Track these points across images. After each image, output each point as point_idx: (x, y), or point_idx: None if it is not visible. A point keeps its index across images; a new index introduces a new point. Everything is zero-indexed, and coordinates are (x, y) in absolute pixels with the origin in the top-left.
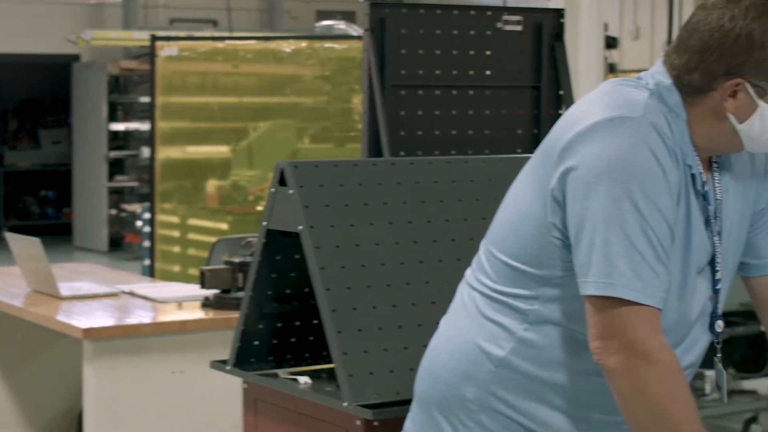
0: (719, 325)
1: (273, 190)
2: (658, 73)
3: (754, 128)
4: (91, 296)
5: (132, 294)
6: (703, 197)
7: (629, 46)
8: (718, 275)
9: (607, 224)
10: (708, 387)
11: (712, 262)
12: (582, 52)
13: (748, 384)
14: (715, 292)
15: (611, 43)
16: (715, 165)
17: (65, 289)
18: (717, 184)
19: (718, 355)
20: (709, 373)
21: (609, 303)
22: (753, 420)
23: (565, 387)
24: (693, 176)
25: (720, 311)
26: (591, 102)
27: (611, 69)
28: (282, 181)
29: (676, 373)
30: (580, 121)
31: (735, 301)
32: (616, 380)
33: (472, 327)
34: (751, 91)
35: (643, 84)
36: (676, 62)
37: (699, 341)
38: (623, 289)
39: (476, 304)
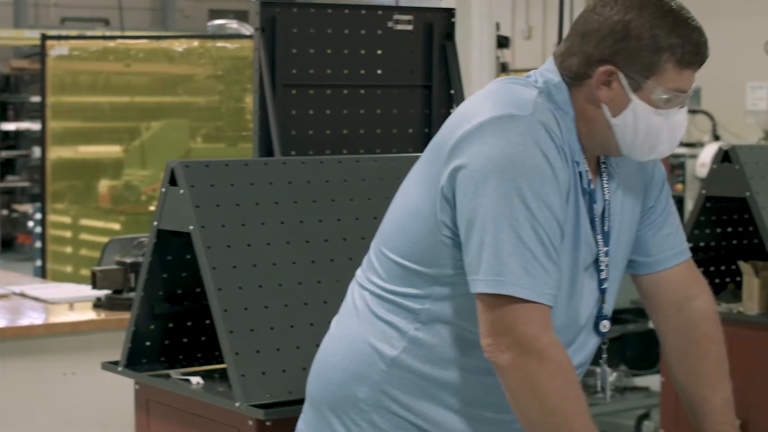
0: (604, 325)
1: (164, 190)
2: (548, 71)
3: (628, 123)
4: None
5: (23, 295)
6: (589, 195)
7: (521, 46)
8: (602, 275)
9: (497, 222)
10: (600, 383)
11: (596, 262)
12: (474, 51)
13: (640, 381)
14: (601, 291)
15: (503, 42)
16: (603, 166)
17: None
18: (605, 185)
19: (604, 356)
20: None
21: (499, 301)
22: (645, 416)
23: (457, 386)
24: (580, 174)
25: (607, 311)
26: (480, 100)
27: (503, 68)
28: (173, 181)
29: (567, 371)
30: (470, 120)
31: (626, 299)
32: (507, 377)
33: (363, 327)
34: (624, 82)
35: (531, 82)
36: (561, 49)
37: (590, 340)
38: (513, 286)
39: (367, 303)
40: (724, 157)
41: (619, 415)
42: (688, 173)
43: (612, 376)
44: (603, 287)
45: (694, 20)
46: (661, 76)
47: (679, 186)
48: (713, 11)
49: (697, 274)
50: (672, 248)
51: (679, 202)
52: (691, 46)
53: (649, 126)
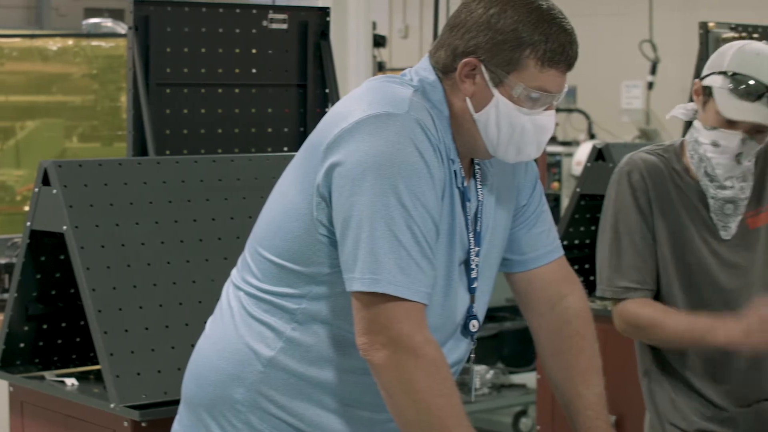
0: (474, 324)
1: (36, 190)
2: (423, 69)
3: (490, 119)
4: None
5: None
6: (463, 195)
7: (398, 45)
8: (473, 274)
9: (373, 220)
10: (478, 382)
11: (467, 262)
12: (350, 50)
13: (518, 378)
14: (471, 291)
15: (380, 41)
16: (477, 166)
17: None
18: (478, 185)
19: (472, 355)
20: (479, 368)
21: (375, 299)
22: (522, 413)
23: (334, 386)
24: (455, 173)
25: (477, 311)
26: (356, 99)
27: (380, 67)
28: (46, 181)
29: (442, 368)
30: (346, 118)
31: (502, 297)
32: (382, 375)
33: (239, 328)
34: (486, 76)
35: (407, 80)
36: (434, 43)
37: (463, 340)
38: (389, 284)
39: (243, 304)
40: (598, 155)
41: (497, 413)
42: (564, 171)
43: (489, 374)
44: (473, 287)
45: (563, 20)
46: (523, 72)
47: (556, 184)
48: (588, 10)
49: (569, 271)
50: (545, 246)
51: (556, 200)
52: (554, 45)
53: (511, 123)
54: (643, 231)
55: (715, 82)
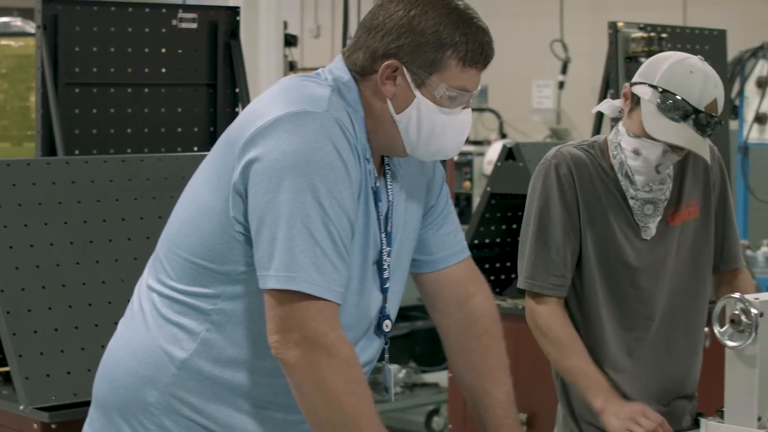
0: (387, 324)
1: None
2: (337, 69)
3: (411, 120)
4: None
5: None
6: (375, 195)
7: (310, 44)
8: (385, 274)
9: (290, 218)
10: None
11: (379, 262)
12: (261, 50)
13: (430, 377)
14: (383, 291)
15: (291, 41)
16: (387, 166)
17: None
18: (389, 185)
19: (387, 355)
20: (391, 367)
21: (289, 297)
22: (435, 412)
23: (248, 388)
24: (369, 172)
25: (390, 310)
26: (273, 97)
27: (291, 67)
28: None
29: (355, 367)
30: (263, 116)
31: (414, 296)
32: (294, 374)
33: (152, 330)
34: (408, 77)
35: (322, 80)
36: (348, 45)
37: (376, 338)
38: (304, 282)
39: (155, 306)
40: (508, 154)
41: (409, 412)
42: (475, 171)
43: (401, 373)
44: (385, 287)
45: (479, 20)
46: (445, 73)
47: (467, 184)
48: (499, 10)
49: (476, 271)
50: (452, 247)
51: (467, 199)
52: (475, 45)
53: (432, 123)
54: (566, 226)
55: (644, 93)
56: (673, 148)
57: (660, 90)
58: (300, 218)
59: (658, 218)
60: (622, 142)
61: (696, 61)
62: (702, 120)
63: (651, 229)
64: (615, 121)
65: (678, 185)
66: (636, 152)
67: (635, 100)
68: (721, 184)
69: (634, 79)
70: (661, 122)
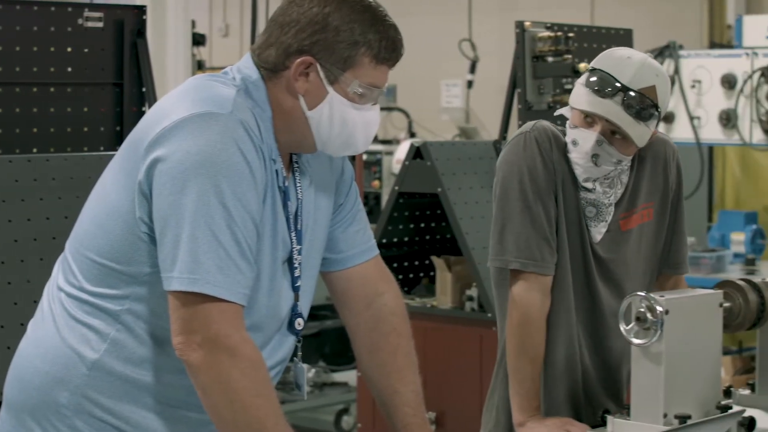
0: (299, 323)
1: None
2: (245, 68)
3: (324, 116)
4: None
5: None
6: (284, 194)
7: (219, 44)
8: (296, 272)
9: (194, 220)
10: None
11: (290, 261)
12: (169, 49)
13: (339, 376)
14: (295, 290)
15: (199, 40)
16: (296, 165)
17: None
18: (298, 183)
19: (299, 353)
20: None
21: (193, 298)
22: (345, 411)
23: (159, 388)
24: (276, 172)
25: (302, 309)
26: (179, 97)
27: (199, 66)
28: None
29: (259, 368)
30: (168, 116)
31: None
32: (199, 375)
33: (62, 330)
34: (321, 74)
35: (230, 80)
36: (258, 42)
37: (287, 338)
38: (207, 284)
39: (65, 307)
40: (416, 153)
41: (319, 411)
42: (384, 170)
43: (311, 372)
44: (296, 285)
45: (390, 18)
46: (358, 69)
47: (376, 183)
48: (408, 9)
49: (385, 270)
50: (361, 245)
51: (376, 198)
52: (387, 42)
53: (344, 120)
54: (551, 199)
55: (580, 79)
56: (611, 138)
57: (591, 69)
58: (204, 220)
59: (602, 223)
60: (566, 137)
61: (637, 52)
62: (633, 100)
63: (593, 233)
64: (523, 120)
65: (633, 188)
66: (574, 142)
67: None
68: (678, 185)
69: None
70: (587, 96)
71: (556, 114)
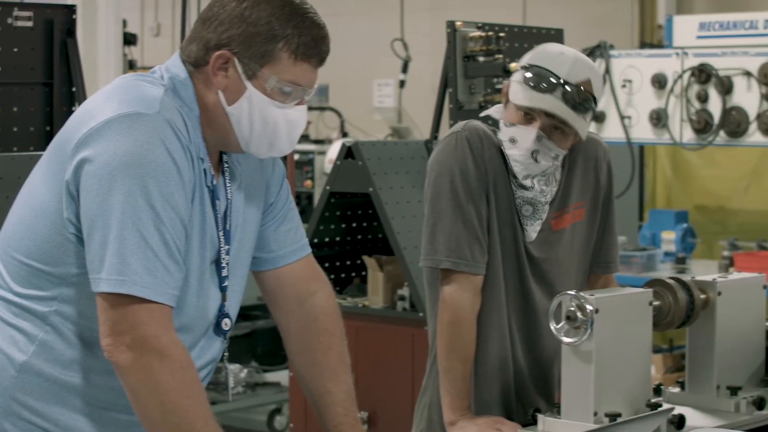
0: (226, 323)
1: None
2: (174, 66)
3: (243, 112)
4: None
5: None
6: (212, 193)
7: (150, 43)
8: (224, 272)
9: (122, 221)
10: (232, 380)
11: (217, 261)
12: (100, 48)
13: (272, 376)
14: (222, 290)
15: (131, 39)
16: (226, 164)
17: None
18: (228, 183)
19: (226, 354)
20: (233, 367)
21: (121, 300)
22: (277, 411)
23: (88, 389)
24: (204, 171)
25: (229, 309)
26: (106, 97)
27: (131, 65)
28: None
29: (188, 369)
30: (95, 116)
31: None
32: (128, 377)
33: None
34: (239, 68)
35: (157, 78)
36: (185, 39)
37: (216, 338)
38: (135, 286)
39: None
40: (348, 153)
41: (251, 411)
42: (317, 170)
43: (243, 373)
44: (224, 285)
45: (315, 15)
46: (276, 65)
47: (309, 183)
48: (340, 8)
49: (317, 269)
50: (292, 244)
51: (309, 198)
52: (307, 39)
53: (264, 117)
54: (483, 199)
55: (515, 77)
56: (550, 133)
57: (527, 66)
58: (131, 221)
59: (538, 222)
60: (501, 136)
61: (569, 48)
62: (572, 94)
63: (529, 232)
64: (454, 120)
65: (565, 188)
66: (512, 140)
67: (509, 91)
68: (608, 185)
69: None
70: (527, 93)
71: (482, 115)
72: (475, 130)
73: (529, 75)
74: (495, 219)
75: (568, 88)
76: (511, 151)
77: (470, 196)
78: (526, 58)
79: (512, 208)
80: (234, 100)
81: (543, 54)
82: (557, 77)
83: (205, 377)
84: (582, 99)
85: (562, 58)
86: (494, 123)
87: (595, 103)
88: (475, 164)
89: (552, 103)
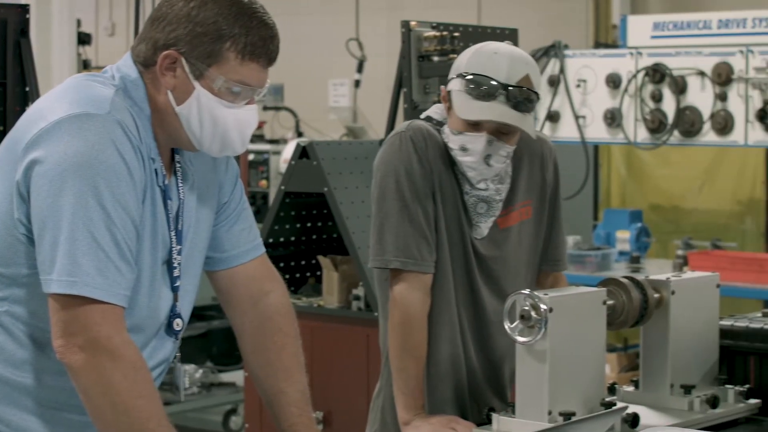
0: (178, 323)
1: None
2: (125, 66)
3: (192, 112)
4: None
5: None
6: (164, 193)
7: (105, 43)
8: (176, 272)
9: (72, 222)
10: (187, 381)
11: (169, 261)
12: (54, 48)
13: (227, 376)
14: (174, 290)
15: (85, 39)
16: (178, 165)
17: None
18: (180, 183)
19: (178, 354)
20: (188, 367)
21: (73, 301)
22: (233, 412)
23: (40, 390)
24: (156, 171)
25: (181, 310)
26: (56, 97)
27: (85, 65)
28: None
29: (141, 370)
30: (45, 117)
31: (209, 295)
32: (80, 378)
33: None
34: (187, 68)
35: (108, 78)
36: (136, 39)
37: (169, 338)
38: (86, 287)
39: None
40: (303, 153)
41: (207, 411)
42: (272, 170)
43: (198, 373)
44: (176, 286)
45: (264, 15)
46: (224, 65)
47: (264, 182)
48: (296, 8)
49: (271, 269)
50: (246, 244)
51: (264, 198)
52: (255, 38)
53: (214, 117)
54: (429, 198)
55: (454, 85)
56: (499, 135)
57: (467, 76)
58: (82, 222)
59: (491, 219)
60: (449, 143)
61: (500, 44)
62: (514, 95)
63: (482, 228)
64: (409, 120)
65: (511, 187)
66: (463, 148)
67: (450, 98)
68: (555, 183)
69: (448, 78)
70: (472, 105)
71: (422, 116)
72: (419, 130)
73: (469, 84)
74: (442, 218)
75: (509, 90)
76: (463, 159)
77: (416, 195)
78: (463, 65)
79: (458, 206)
80: (183, 100)
81: (478, 57)
82: (497, 81)
83: (157, 377)
84: (524, 98)
85: (497, 58)
86: (437, 123)
87: (537, 97)
88: (420, 164)
89: (497, 111)
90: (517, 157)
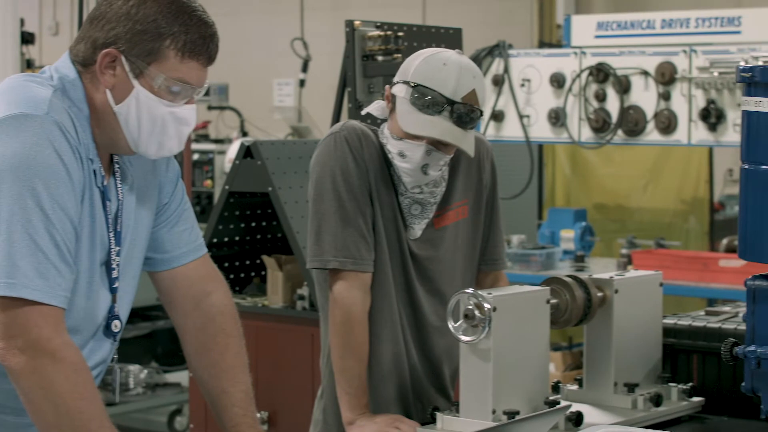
0: (116, 324)
1: None
2: (63, 67)
3: (131, 111)
4: None
5: None
6: (103, 194)
7: (49, 42)
8: (114, 274)
9: (10, 224)
10: (132, 381)
11: (107, 262)
12: None
13: (172, 377)
14: (112, 291)
15: (28, 38)
16: (117, 166)
17: None
18: (119, 184)
19: (115, 356)
20: (133, 368)
21: (12, 303)
22: (178, 412)
23: None
24: (95, 172)
25: (119, 311)
26: None
27: (29, 65)
28: None
29: (82, 371)
30: None
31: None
32: (21, 380)
33: None
34: (127, 66)
35: (47, 79)
36: (75, 39)
37: (107, 339)
38: (25, 288)
39: None
40: (247, 152)
41: (152, 412)
42: (217, 169)
43: (143, 373)
44: (114, 287)
45: (202, 14)
46: (163, 63)
47: (209, 182)
48: (240, 8)
49: (213, 269)
50: (188, 244)
51: (209, 198)
52: (195, 36)
53: (152, 116)
54: (366, 197)
55: (399, 91)
56: (438, 146)
57: (413, 85)
58: (21, 223)
59: (425, 220)
60: (388, 145)
61: (451, 54)
62: (459, 111)
63: (415, 230)
64: (354, 119)
65: (448, 187)
66: (401, 155)
67: (394, 101)
68: (492, 183)
69: (394, 80)
70: (416, 117)
71: (363, 113)
72: (353, 130)
73: (414, 94)
74: (380, 217)
75: (455, 107)
76: (400, 164)
77: (352, 195)
78: (410, 72)
79: (394, 207)
80: (122, 99)
81: (426, 66)
82: (443, 96)
83: (96, 378)
84: (470, 115)
85: (445, 71)
86: (373, 121)
87: (481, 113)
88: (356, 163)
89: (439, 128)
90: (455, 157)
